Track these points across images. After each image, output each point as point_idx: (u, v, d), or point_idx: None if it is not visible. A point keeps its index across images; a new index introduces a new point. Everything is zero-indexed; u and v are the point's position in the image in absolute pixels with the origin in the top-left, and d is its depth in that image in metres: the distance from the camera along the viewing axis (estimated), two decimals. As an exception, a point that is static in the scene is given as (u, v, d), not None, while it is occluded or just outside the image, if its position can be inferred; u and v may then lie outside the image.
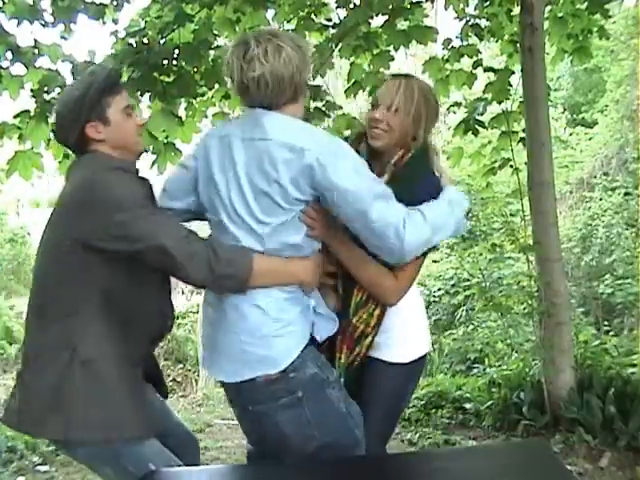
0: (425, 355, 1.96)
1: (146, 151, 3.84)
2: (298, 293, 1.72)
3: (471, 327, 7.21)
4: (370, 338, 1.84)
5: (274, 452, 1.74)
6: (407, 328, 1.91)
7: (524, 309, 4.55)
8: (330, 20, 4.02)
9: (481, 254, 5.87)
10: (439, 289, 9.09)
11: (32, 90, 3.52)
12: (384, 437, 1.99)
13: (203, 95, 4.02)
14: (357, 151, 1.79)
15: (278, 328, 1.66)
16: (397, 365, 1.89)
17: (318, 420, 1.68)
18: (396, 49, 3.91)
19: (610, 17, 5.50)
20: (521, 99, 4.04)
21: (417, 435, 3.85)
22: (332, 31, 3.91)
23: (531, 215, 3.80)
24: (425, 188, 1.78)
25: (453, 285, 8.83)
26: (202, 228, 1.80)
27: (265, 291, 1.67)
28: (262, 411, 1.68)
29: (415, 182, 1.79)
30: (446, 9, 4.38)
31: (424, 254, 1.76)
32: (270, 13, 4.02)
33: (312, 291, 1.76)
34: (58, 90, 3.55)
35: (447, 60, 4.40)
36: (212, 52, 3.75)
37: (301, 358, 1.66)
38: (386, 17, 3.73)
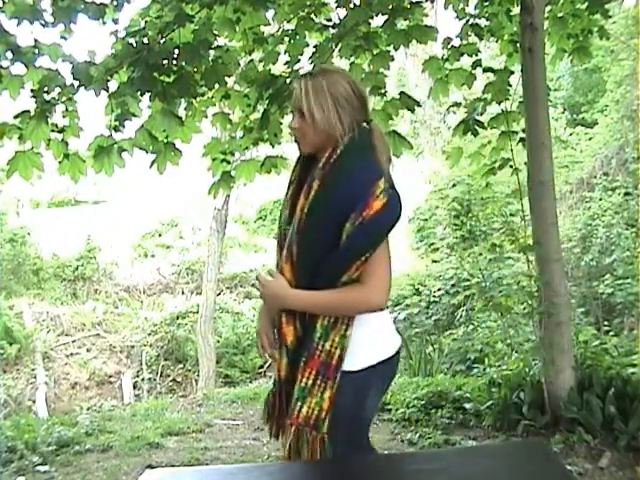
0: (385, 361, 1.82)
1: (146, 151, 3.84)
2: None
3: (471, 327, 7.21)
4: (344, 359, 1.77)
5: None
6: (359, 336, 1.79)
7: (524, 309, 4.55)
8: (330, 20, 4.01)
9: (481, 254, 5.88)
10: (439, 289, 9.10)
11: (32, 90, 3.52)
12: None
13: (203, 95, 4.02)
14: (298, 160, 1.88)
15: None
16: (347, 373, 1.77)
17: None
18: (396, 49, 3.90)
19: (610, 17, 5.52)
20: (521, 99, 4.04)
21: (417, 435, 3.84)
22: (332, 31, 3.91)
23: (531, 215, 3.80)
24: (359, 177, 1.72)
25: (453, 285, 8.86)
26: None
27: None
28: None
29: (347, 175, 1.72)
30: (446, 9, 4.38)
31: (372, 248, 1.71)
32: (270, 13, 4.03)
33: None
34: (58, 90, 3.55)
35: (447, 59, 4.40)
36: (212, 52, 3.75)
37: None
38: (386, 17, 3.73)
